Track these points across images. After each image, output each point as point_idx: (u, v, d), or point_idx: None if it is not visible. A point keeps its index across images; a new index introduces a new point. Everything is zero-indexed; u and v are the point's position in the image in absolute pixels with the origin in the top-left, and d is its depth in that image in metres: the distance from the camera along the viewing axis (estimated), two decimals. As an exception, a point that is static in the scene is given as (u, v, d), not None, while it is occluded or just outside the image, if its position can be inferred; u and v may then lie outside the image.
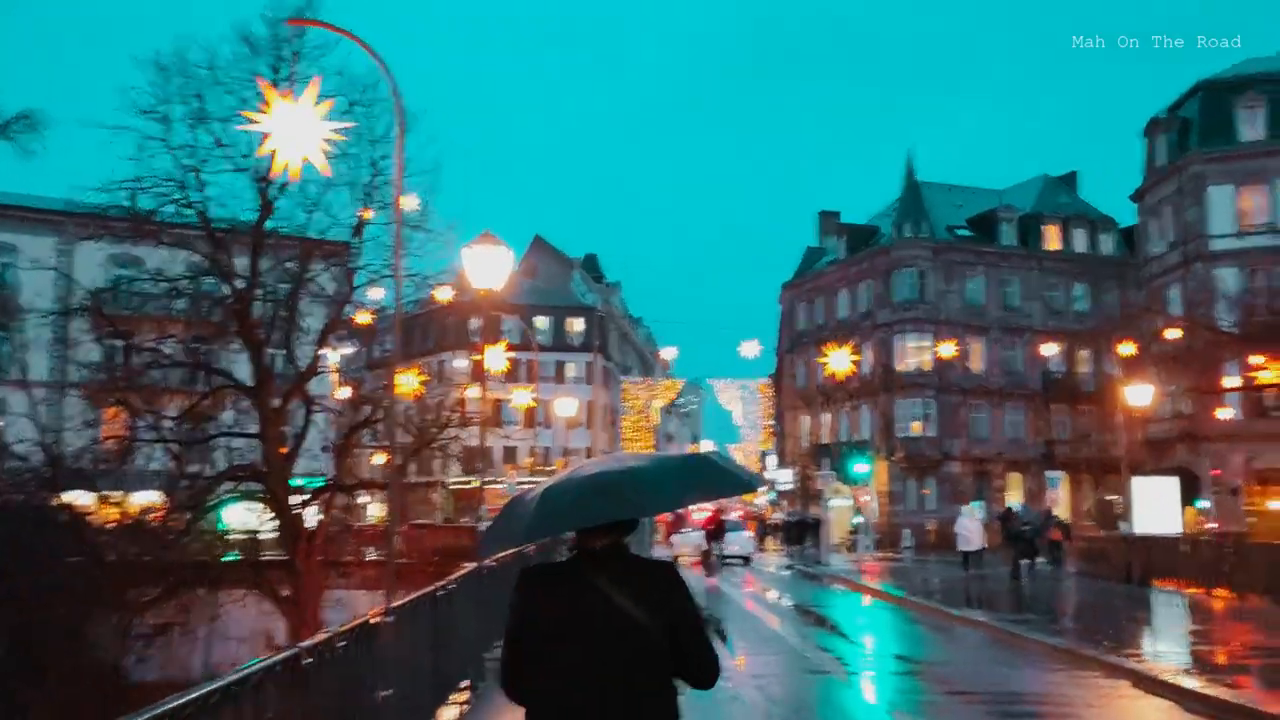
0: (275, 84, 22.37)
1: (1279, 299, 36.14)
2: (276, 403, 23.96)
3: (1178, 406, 40.22)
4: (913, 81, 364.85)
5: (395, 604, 6.74)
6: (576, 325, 71.23)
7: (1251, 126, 40.50)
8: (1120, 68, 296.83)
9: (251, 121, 7.16)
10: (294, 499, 23.99)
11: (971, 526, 25.98)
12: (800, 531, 49.87)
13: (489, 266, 10.83)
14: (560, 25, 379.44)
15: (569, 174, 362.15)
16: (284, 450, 24.46)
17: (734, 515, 50.27)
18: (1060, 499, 44.02)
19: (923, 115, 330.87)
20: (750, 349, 41.79)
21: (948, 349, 45.44)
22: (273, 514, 24.58)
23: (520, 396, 36.86)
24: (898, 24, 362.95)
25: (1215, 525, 37.14)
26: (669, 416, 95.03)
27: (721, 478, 3.00)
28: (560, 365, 68.45)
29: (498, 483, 55.95)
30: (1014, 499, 53.50)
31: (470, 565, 10.24)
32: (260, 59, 22.56)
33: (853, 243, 60.45)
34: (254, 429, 23.80)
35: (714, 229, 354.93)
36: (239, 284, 22.92)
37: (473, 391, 30.36)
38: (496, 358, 24.21)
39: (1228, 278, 38.56)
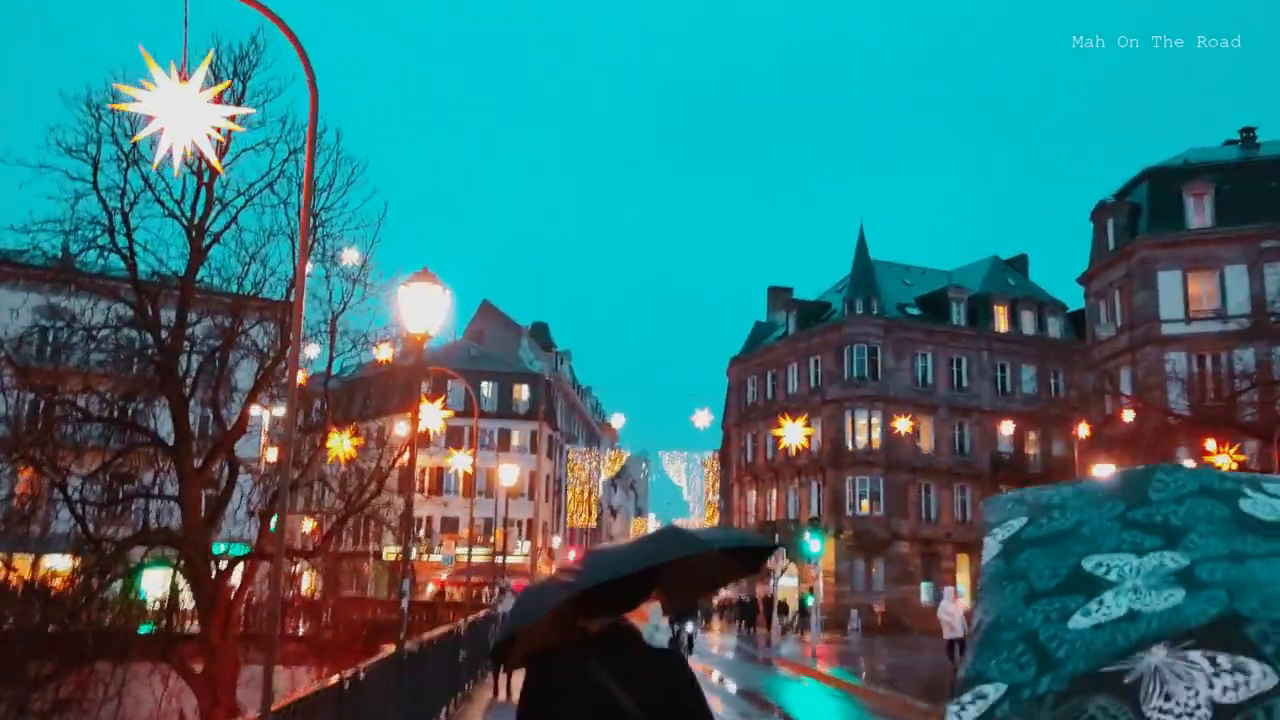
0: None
1: (1227, 385, 36.13)
2: (198, 463, 22.51)
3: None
4: (865, 161, 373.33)
5: (282, 704, 5.48)
6: (523, 393, 69.94)
7: (1199, 214, 40.93)
8: (1072, 152, 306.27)
9: (132, 99, 6.04)
10: (223, 566, 22.52)
11: (954, 611, 23.89)
12: (750, 611, 48.36)
13: (426, 308, 9.80)
14: (515, 92, 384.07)
15: (521, 242, 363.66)
16: (212, 516, 23.00)
17: None
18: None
19: (874, 194, 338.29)
20: (702, 419, 40.81)
21: (903, 424, 44.86)
22: (189, 582, 23.03)
23: (460, 462, 35.28)
24: (853, 103, 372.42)
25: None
26: (614, 488, 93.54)
27: (681, 543, 2.84)
28: (505, 433, 66.92)
29: (434, 554, 54.10)
30: (963, 582, 52.74)
31: (390, 648, 9.00)
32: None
33: (803, 318, 60.23)
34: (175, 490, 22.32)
35: (665, 302, 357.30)
36: (165, 336, 21.64)
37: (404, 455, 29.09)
38: (433, 416, 22.94)
39: (1177, 362, 38.56)
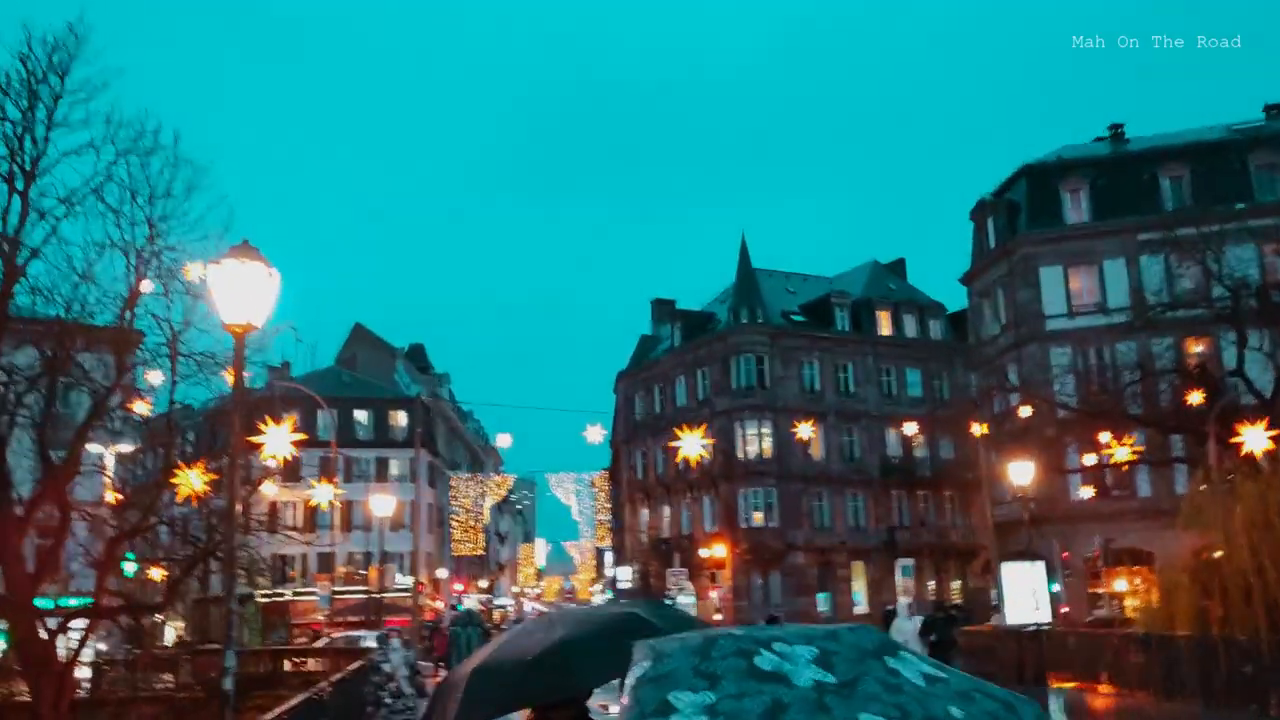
0: (30, 128, 18.95)
1: (1112, 377, 36.14)
2: (20, 510, 19.70)
3: (1022, 487, 39.58)
4: (744, 170, 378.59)
5: None
6: (400, 419, 66.82)
7: (1076, 209, 41.19)
8: (942, 156, 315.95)
9: None
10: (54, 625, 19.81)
11: (910, 630, 21.09)
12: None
13: (246, 293, 7.73)
14: (380, 110, 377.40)
15: (395, 265, 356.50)
16: (41, 568, 20.24)
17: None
18: (908, 587, 42.67)
19: (754, 203, 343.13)
20: (594, 434, 38.87)
21: (805, 430, 43.87)
22: (13, 645, 20.19)
23: (322, 494, 32.23)
24: (729, 113, 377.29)
25: (1066, 609, 36.27)
26: (501, 514, 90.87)
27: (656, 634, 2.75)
28: (383, 462, 63.76)
29: (309, 594, 50.89)
30: (859, 589, 52.14)
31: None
32: (8, 100, 18.86)
33: (688, 329, 59.11)
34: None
35: (549, 320, 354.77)
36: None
37: (270, 490, 26.44)
38: (282, 443, 20.53)
39: (1062, 357, 38.51)
